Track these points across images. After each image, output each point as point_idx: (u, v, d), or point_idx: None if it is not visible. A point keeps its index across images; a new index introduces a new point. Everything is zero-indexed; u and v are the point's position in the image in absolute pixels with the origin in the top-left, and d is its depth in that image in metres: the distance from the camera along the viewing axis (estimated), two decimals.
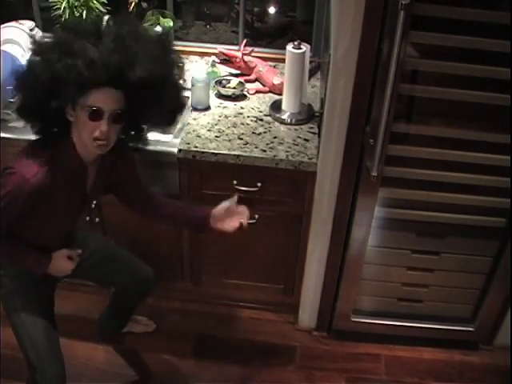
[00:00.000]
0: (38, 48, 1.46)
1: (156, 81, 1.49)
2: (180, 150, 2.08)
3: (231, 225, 1.81)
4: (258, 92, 2.43)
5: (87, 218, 2.26)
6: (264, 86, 2.45)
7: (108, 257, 2.01)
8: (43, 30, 2.57)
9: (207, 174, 2.13)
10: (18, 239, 1.67)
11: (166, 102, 1.56)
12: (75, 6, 2.36)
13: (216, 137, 2.14)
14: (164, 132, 1.79)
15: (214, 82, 2.39)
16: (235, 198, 1.83)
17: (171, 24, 2.52)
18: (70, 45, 1.41)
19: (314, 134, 2.18)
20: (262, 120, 2.26)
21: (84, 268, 1.89)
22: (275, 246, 2.30)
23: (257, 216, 2.16)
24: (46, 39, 1.50)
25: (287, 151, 2.06)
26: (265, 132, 2.18)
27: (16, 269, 1.76)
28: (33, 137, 1.60)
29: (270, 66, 2.49)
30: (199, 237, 2.30)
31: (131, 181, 1.84)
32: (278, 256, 2.34)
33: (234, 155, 2.05)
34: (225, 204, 1.83)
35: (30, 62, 1.47)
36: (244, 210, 1.82)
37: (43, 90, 1.43)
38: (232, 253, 2.35)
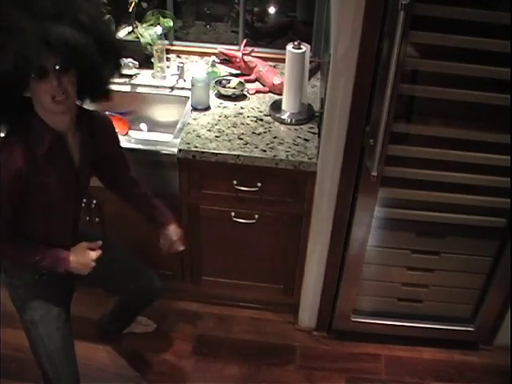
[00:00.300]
0: None
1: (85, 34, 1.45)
2: (180, 150, 2.08)
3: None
4: (257, 92, 2.44)
5: (87, 218, 2.26)
6: (264, 85, 2.45)
7: (119, 265, 1.98)
8: None
9: (207, 174, 2.13)
10: (29, 240, 1.66)
11: (101, 44, 1.50)
12: None
13: (216, 137, 2.14)
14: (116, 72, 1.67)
15: (213, 82, 2.39)
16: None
17: (171, 24, 2.52)
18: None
19: (314, 134, 2.18)
20: (262, 120, 2.26)
21: (100, 276, 1.87)
22: (275, 246, 2.30)
23: (257, 216, 2.16)
24: None
25: (287, 151, 2.06)
26: (265, 132, 2.18)
27: (32, 278, 1.74)
28: None
29: (270, 66, 2.49)
30: (199, 237, 2.30)
31: (117, 156, 1.86)
32: (278, 256, 2.34)
33: (234, 155, 2.05)
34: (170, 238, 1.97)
35: None
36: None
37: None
38: (232, 253, 2.35)
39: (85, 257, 1.70)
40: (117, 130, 1.88)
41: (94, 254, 1.72)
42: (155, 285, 2.07)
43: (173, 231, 1.95)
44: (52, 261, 1.67)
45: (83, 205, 2.01)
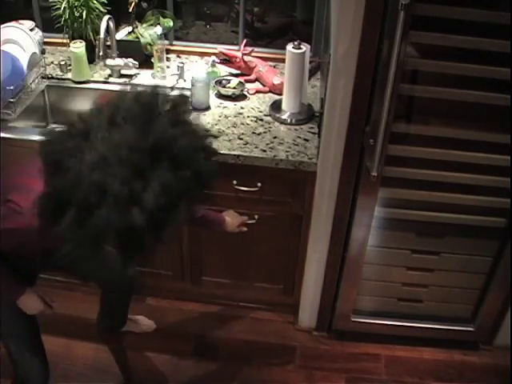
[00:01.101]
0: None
1: None
2: None
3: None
4: (257, 92, 2.43)
5: None
6: (264, 86, 2.45)
7: (86, 263, 1.95)
8: (43, 30, 2.58)
9: None
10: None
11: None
12: (75, 6, 2.36)
13: (216, 137, 2.13)
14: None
15: (213, 82, 2.39)
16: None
17: (171, 24, 2.52)
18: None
19: (314, 134, 2.18)
20: (262, 120, 2.26)
21: (64, 262, 1.87)
22: (275, 246, 2.30)
23: (256, 216, 2.16)
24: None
25: (287, 151, 2.06)
26: (265, 132, 2.18)
27: None
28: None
29: (270, 66, 2.49)
30: (199, 237, 2.30)
31: None
32: (278, 256, 2.33)
33: (234, 155, 2.05)
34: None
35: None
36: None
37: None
38: (232, 253, 2.35)
39: (31, 303, 1.68)
40: None
41: (38, 306, 1.69)
42: (126, 271, 2.01)
43: (231, 224, 2.00)
44: (6, 290, 1.63)
45: None
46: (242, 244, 2.27)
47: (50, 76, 2.46)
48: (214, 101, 2.36)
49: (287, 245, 2.28)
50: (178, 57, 2.66)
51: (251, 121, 2.25)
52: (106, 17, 2.34)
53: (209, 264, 2.42)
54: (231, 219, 2.00)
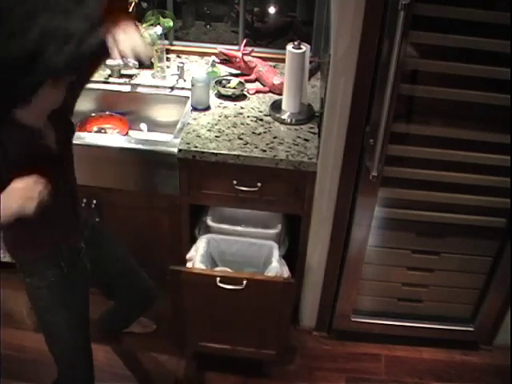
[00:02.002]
0: None
1: None
2: (180, 150, 2.08)
3: None
4: (257, 92, 2.43)
5: (84, 201, 2.24)
6: (264, 86, 2.45)
7: (122, 269, 1.96)
8: None
9: (207, 174, 2.13)
10: None
11: None
12: None
13: (216, 137, 2.14)
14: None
15: (214, 81, 2.39)
16: None
17: (171, 24, 2.52)
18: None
19: (314, 134, 2.18)
20: (262, 120, 2.26)
21: (102, 277, 1.88)
22: (264, 312, 2.13)
23: (245, 282, 1.95)
24: None
25: (287, 151, 2.06)
26: (265, 132, 2.18)
27: (54, 276, 1.67)
28: None
29: (270, 66, 2.49)
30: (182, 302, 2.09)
31: None
32: (267, 320, 2.16)
33: (234, 155, 2.05)
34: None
35: None
36: None
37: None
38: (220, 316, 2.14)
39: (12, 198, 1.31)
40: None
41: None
42: (151, 293, 2.07)
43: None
44: None
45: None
46: (230, 309, 2.08)
47: None
48: (213, 101, 2.36)
49: (278, 311, 2.07)
50: (178, 57, 2.66)
51: (251, 121, 2.25)
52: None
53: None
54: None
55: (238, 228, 2.26)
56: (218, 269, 2.22)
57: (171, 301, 2.05)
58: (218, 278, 1.95)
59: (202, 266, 2.09)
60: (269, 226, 2.26)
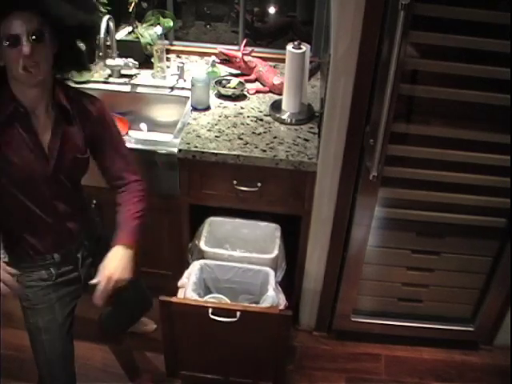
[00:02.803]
0: None
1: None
2: (180, 150, 2.08)
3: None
4: (258, 92, 2.44)
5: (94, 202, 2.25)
6: (264, 86, 2.45)
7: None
8: None
9: (207, 174, 2.13)
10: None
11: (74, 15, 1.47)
12: None
13: (216, 137, 2.14)
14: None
15: (214, 81, 2.39)
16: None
17: (171, 24, 2.52)
18: None
19: (314, 134, 2.18)
20: (262, 120, 2.26)
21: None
22: (262, 343, 2.07)
23: (238, 313, 1.86)
24: None
25: (287, 151, 2.06)
26: (265, 132, 2.18)
27: (41, 279, 1.70)
28: None
29: (270, 66, 2.49)
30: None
31: (106, 142, 1.69)
32: (265, 351, 2.09)
33: (234, 155, 2.05)
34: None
35: None
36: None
37: None
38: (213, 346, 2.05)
39: None
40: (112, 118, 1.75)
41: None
42: (148, 301, 2.10)
43: (105, 268, 1.61)
44: None
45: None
46: (223, 340, 1.99)
47: None
48: (214, 101, 2.36)
49: (274, 343, 1.97)
50: (178, 57, 2.66)
51: (251, 121, 2.25)
52: (106, 17, 2.33)
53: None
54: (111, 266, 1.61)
55: (234, 253, 2.14)
56: (211, 296, 2.12)
57: (162, 330, 1.99)
58: (211, 310, 1.85)
59: (195, 295, 1.98)
60: (265, 250, 2.15)
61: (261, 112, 2.31)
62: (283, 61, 2.23)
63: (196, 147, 2.07)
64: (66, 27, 1.45)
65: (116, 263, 1.61)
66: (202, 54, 2.65)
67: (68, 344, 1.77)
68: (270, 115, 2.28)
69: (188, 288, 2.01)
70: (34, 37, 1.40)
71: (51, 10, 1.41)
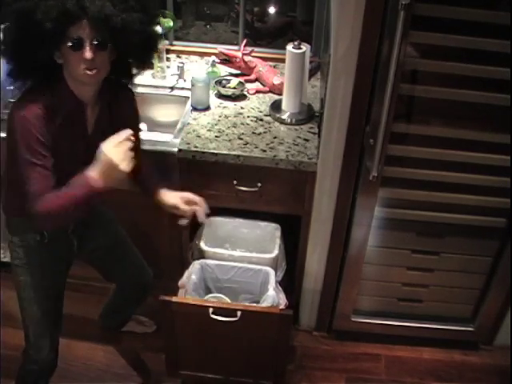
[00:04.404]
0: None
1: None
2: (180, 150, 2.08)
3: (186, 209, 1.85)
4: (258, 92, 2.44)
5: None
6: (264, 86, 2.45)
7: (118, 250, 2.00)
8: None
9: (207, 173, 2.13)
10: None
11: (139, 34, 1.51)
12: None
13: (216, 137, 2.14)
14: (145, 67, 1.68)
15: (214, 82, 2.39)
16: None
17: (171, 24, 2.52)
18: None
19: (314, 134, 2.18)
20: (262, 120, 2.26)
21: (99, 255, 1.93)
22: (261, 343, 2.06)
23: (239, 313, 1.87)
24: None
25: (287, 151, 2.06)
26: (265, 132, 2.18)
27: (33, 239, 1.72)
28: None
29: (270, 66, 2.49)
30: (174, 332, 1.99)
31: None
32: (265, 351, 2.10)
33: (234, 155, 2.05)
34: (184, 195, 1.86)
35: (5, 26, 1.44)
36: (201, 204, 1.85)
37: (30, 43, 1.41)
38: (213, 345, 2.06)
39: (116, 155, 1.47)
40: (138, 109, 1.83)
41: (124, 150, 1.49)
42: (148, 281, 2.10)
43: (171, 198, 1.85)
44: (87, 187, 1.48)
45: None
46: (224, 339, 1.99)
47: None
48: (214, 101, 2.36)
49: (274, 342, 1.97)
50: (178, 57, 2.66)
51: (251, 121, 2.25)
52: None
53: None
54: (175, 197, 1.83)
55: (234, 253, 2.14)
56: (212, 295, 2.12)
57: (162, 330, 2.00)
58: (211, 309, 1.86)
59: (195, 295, 2.00)
60: (265, 249, 2.16)
61: (261, 112, 2.31)
62: (283, 61, 2.23)
63: (196, 147, 2.07)
64: (129, 39, 1.48)
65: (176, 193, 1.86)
66: (202, 54, 2.65)
67: (56, 305, 1.82)
68: (270, 115, 2.28)
69: (188, 288, 2.02)
70: (96, 43, 1.44)
71: (120, 27, 1.44)
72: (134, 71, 1.66)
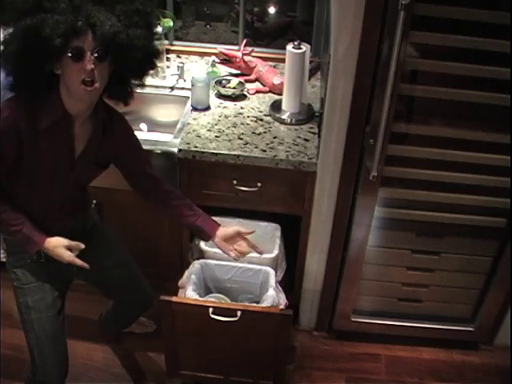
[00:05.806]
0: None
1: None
2: (180, 150, 2.08)
3: (237, 250, 1.82)
4: (258, 92, 2.44)
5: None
6: (264, 86, 2.45)
7: (120, 273, 1.96)
8: None
9: (207, 174, 2.13)
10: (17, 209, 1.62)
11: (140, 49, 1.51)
12: None
13: (216, 137, 2.14)
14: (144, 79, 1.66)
15: (214, 82, 2.39)
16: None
17: (171, 24, 2.52)
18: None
19: (314, 134, 2.18)
20: (262, 120, 2.26)
21: (99, 277, 1.90)
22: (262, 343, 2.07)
23: (239, 313, 1.88)
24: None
25: (287, 151, 2.06)
26: (265, 132, 2.18)
27: (31, 260, 1.72)
28: None
29: (270, 66, 2.49)
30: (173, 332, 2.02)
31: (130, 156, 1.77)
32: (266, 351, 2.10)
33: (234, 155, 2.05)
34: (234, 229, 1.82)
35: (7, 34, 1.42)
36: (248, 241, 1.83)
37: (34, 56, 1.40)
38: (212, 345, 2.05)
39: (57, 253, 1.64)
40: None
41: (66, 255, 1.64)
42: (149, 302, 2.08)
43: (229, 230, 1.82)
44: (25, 238, 1.62)
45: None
46: (224, 339, 1.99)
47: None
48: (214, 101, 2.36)
49: (274, 342, 1.98)
50: (178, 57, 2.66)
51: (251, 121, 2.25)
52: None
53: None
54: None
55: None
56: (212, 295, 2.13)
57: (162, 330, 2.00)
58: (211, 309, 1.85)
59: (195, 294, 1.99)
60: (265, 249, 2.09)
61: (261, 112, 2.31)
62: (283, 61, 2.23)
63: (196, 147, 2.07)
64: (130, 54, 1.47)
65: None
66: (202, 54, 2.64)
67: (58, 325, 1.80)
68: (270, 115, 2.28)
69: (188, 288, 2.02)
70: (96, 54, 1.42)
71: (126, 44, 1.44)
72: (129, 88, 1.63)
